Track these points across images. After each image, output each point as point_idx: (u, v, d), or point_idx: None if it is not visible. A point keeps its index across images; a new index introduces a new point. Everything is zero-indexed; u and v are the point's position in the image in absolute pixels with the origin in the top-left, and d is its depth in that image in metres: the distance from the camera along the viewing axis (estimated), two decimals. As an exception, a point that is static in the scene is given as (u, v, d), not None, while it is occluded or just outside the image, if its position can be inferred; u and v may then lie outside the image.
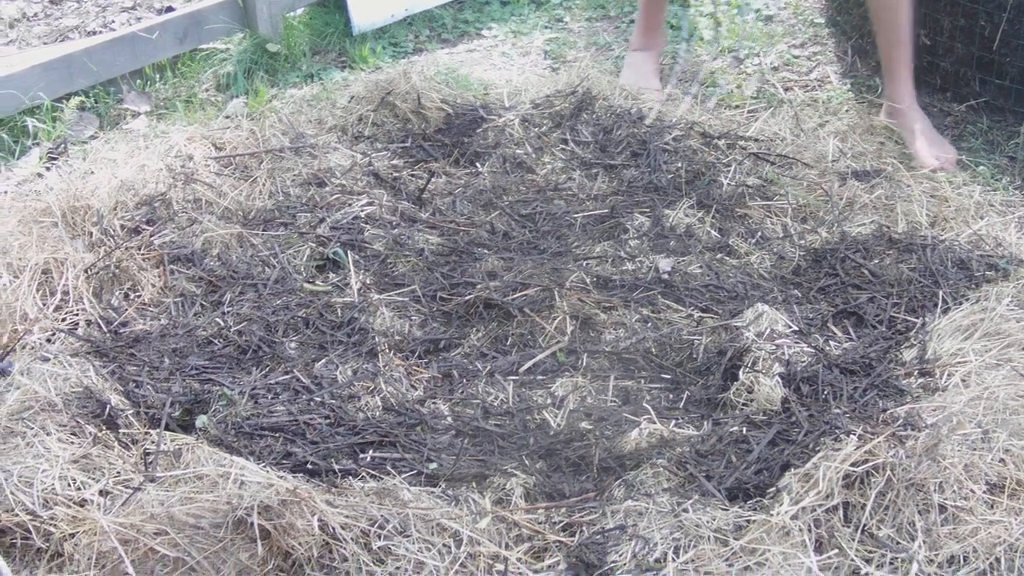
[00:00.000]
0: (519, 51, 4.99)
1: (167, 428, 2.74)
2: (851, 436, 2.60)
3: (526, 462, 2.72)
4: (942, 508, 2.43)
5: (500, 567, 2.40)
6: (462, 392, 2.99)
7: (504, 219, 3.63)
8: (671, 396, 2.97)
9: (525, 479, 2.64)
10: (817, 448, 2.62)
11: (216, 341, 3.11)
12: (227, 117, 4.30)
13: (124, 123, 4.40)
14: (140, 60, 4.60)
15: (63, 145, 4.20)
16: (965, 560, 2.37)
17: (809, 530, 2.40)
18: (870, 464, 2.47)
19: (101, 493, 2.51)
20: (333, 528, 2.37)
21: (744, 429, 2.78)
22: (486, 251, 3.46)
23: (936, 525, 2.40)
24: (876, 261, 3.36)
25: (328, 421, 2.83)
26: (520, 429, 2.85)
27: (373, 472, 2.65)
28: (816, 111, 4.24)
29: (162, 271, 3.32)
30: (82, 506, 2.46)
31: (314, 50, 4.95)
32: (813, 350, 3.01)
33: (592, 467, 2.69)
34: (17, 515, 2.43)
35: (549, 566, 2.43)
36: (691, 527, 2.44)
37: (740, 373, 2.92)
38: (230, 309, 3.23)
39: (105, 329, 3.12)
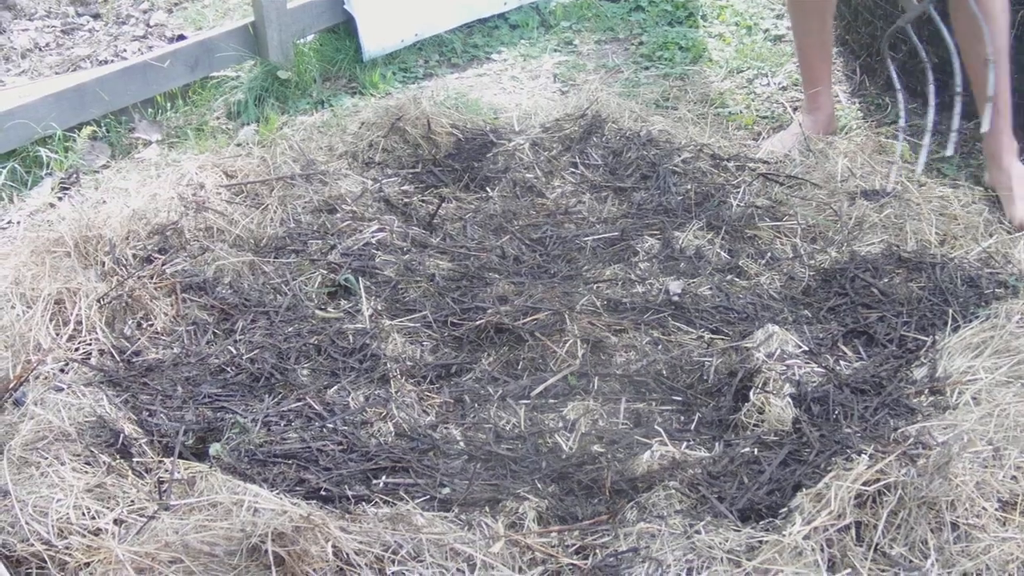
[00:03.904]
0: (529, 74, 5.01)
1: (180, 456, 2.75)
2: (862, 455, 2.60)
3: (538, 486, 2.72)
4: (954, 526, 2.43)
5: (513, 591, 2.41)
6: (474, 417, 3.00)
7: (514, 243, 3.64)
8: (682, 418, 2.98)
9: (538, 503, 2.64)
10: (829, 468, 2.62)
11: (229, 369, 3.12)
12: (238, 145, 4.33)
13: (136, 152, 4.42)
14: (151, 89, 4.63)
15: (75, 175, 4.23)
16: (978, 578, 2.38)
17: (822, 550, 2.40)
18: (882, 483, 2.47)
19: (116, 522, 2.52)
20: (347, 554, 2.38)
21: (755, 450, 2.78)
22: (497, 276, 3.47)
23: (948, 543, 2.40)
24: (886, 280, 3.37)
25: (341, 447, 2.83)
26: (532, 453, 2.85)
27: (386, 498, 2.65)
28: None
29: (174, 300, 3.34)
30: (97, 535, 2.47)
31: (324, 76, 4.98)
32: (823, 370, 3.01)
33: (604, 490, 2.69)
34: (32, 545, 2.44)
35: (562, 589, 2.44)
36: (704, 548, 2.44)
37: (751, 394, 2.93)
38: (242, 337, 3.24)
39: (118, 358, 3.13)
